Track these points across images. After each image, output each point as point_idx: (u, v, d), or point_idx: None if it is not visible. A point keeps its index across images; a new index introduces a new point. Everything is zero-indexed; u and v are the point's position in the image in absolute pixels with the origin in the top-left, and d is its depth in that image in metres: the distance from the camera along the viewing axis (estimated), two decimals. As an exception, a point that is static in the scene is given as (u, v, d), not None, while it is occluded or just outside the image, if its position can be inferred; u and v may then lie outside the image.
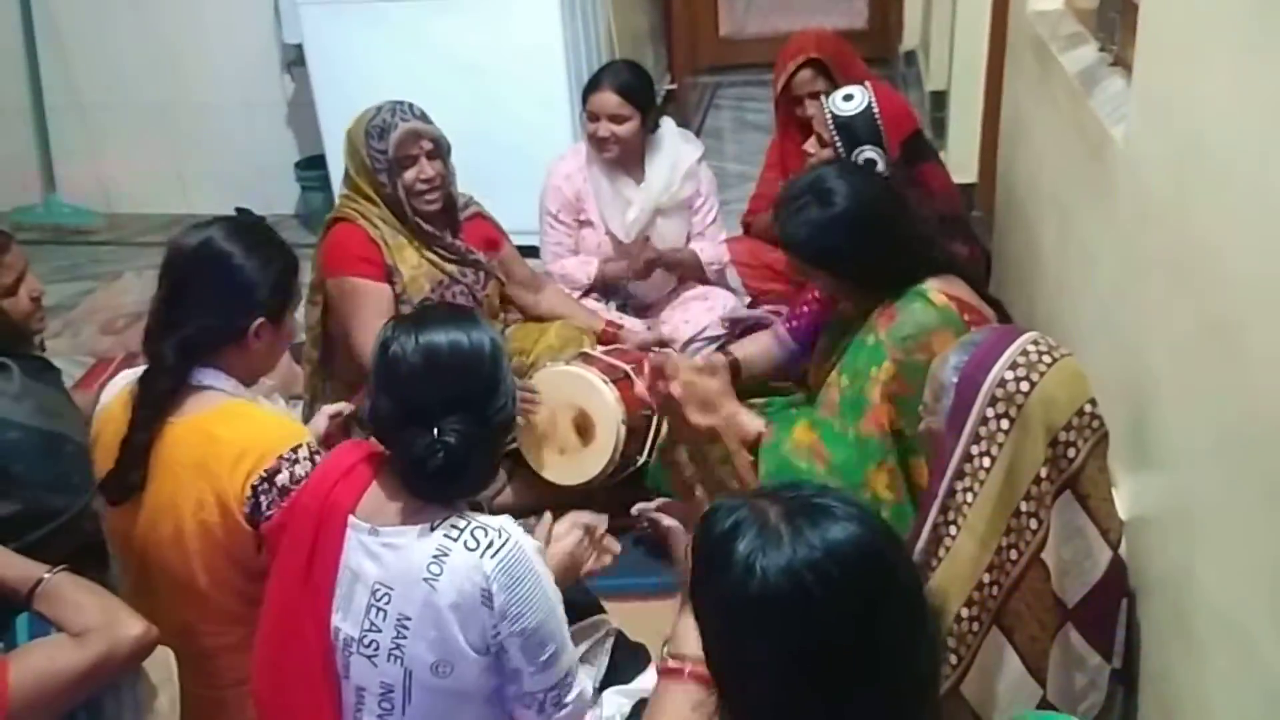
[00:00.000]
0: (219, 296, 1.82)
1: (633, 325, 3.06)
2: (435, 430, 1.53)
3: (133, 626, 1.59)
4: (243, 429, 1.80)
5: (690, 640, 1.39)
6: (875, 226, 2.09)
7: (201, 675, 1.88)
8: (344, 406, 2.24)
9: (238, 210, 4.54)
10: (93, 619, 1.58)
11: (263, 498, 1.75)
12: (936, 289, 2.07)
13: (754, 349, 2.60)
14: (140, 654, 1.62)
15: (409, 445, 1.54)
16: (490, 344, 1.59)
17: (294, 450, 1.77)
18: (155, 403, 1.80)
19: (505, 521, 1.58)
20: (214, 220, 1.88)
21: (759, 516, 1.05)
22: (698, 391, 2.25)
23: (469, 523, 1.55)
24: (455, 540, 1.53)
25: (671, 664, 1.40)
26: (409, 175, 2.61)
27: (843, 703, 1.00)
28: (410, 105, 2.64)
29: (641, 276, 3.11)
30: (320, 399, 2.79)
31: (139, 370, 1.88)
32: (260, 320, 1.83)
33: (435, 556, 1.53)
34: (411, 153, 2.60)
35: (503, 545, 1.53)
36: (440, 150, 2.65)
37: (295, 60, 4.35)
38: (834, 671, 1.00)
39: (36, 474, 2.20)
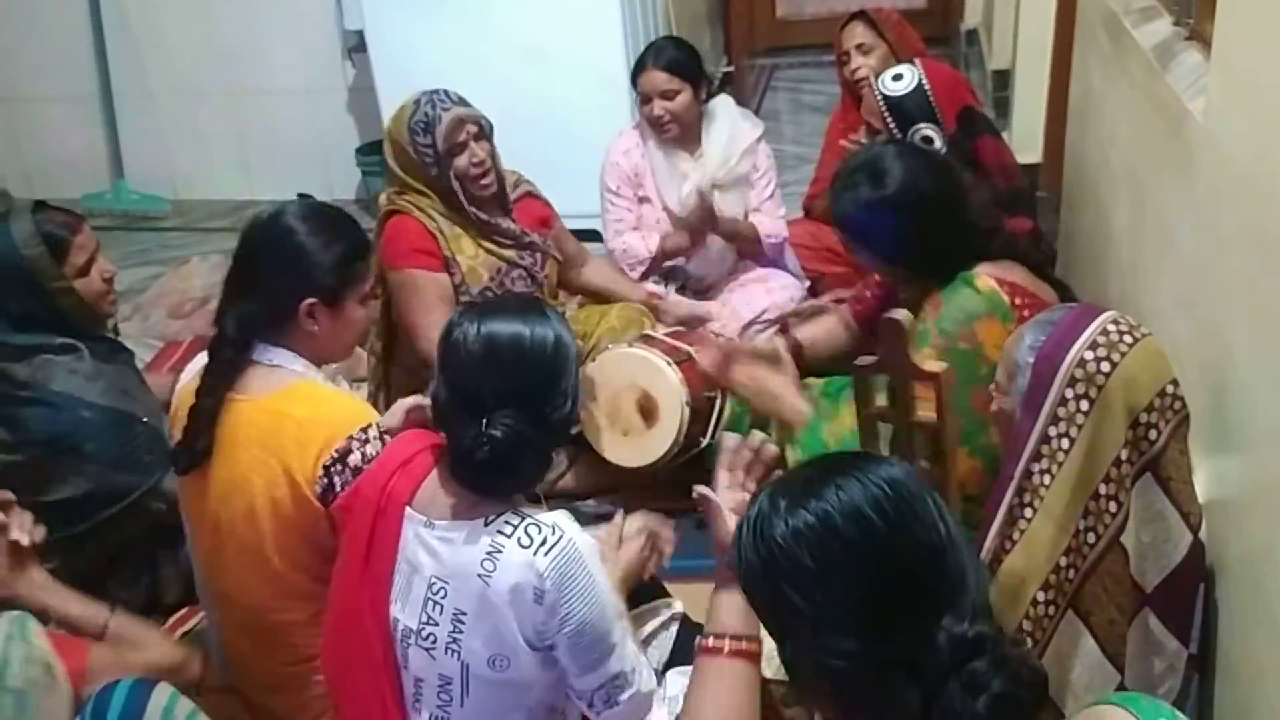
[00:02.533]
0: (275, 271, 1.84)
1: (677, 299, 3.06)
2: (485, 422, 1.50)
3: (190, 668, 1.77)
4: (312, 408, 1.82)
5: (730, 617, 1.40)
6: (927, 212, 2.05)
7: (269, 650, 1.92)
8: (422, 400, 2.24)
9: (300, 196, 4.60)
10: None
11: (336, 478, 1.77)
12: (984, 274, 2.02)
13: (819, 331, 2.58)
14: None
15: (459, 435, 1.53)
16: (554, 340, 1.56)
17: (364, 430, 1.79)
18: (221, 370, 1.83)
19: (560, 517, 1.55)
20: (295, 199, 1.90)
21: (798, 474, 1.11)
22: (761, 383, 2.23)
23: (523, 519, 1.53)
24: (509, 537, 1.52)
25: (711, 643, 1.40)
26: (460, 162, 2.61)
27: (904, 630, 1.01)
28: (445, 92, 2.63)
29: (694, 230, 3.06)
30: (386, 387, 2.82)
31: None
32: (312, 301, 1.83)
33: (489, 553, 1.52)
34: (460, 139, 2.60)
35: (556, 542, 1.51)
36: (485, 132, 2.65)
37: (356, 46, 4.38)
38: (901, 589, 1.02)
39: (107, 452, 2.26)
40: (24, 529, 1.75)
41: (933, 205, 2.06)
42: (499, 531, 1.53)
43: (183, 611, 2.42)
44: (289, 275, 1.84)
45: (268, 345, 1.85)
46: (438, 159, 2.60)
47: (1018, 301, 1.99)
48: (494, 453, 1.50)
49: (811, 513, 1.04)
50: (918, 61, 2.65)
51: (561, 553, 1.50)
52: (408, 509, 1.59)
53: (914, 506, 1.04)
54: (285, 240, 1.84)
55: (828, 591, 1.02)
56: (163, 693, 1.47)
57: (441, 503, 1.58)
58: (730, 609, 1.40)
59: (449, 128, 2.58)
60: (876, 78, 2.71)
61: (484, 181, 2.65)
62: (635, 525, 1.89)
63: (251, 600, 1.90)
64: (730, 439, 1.54)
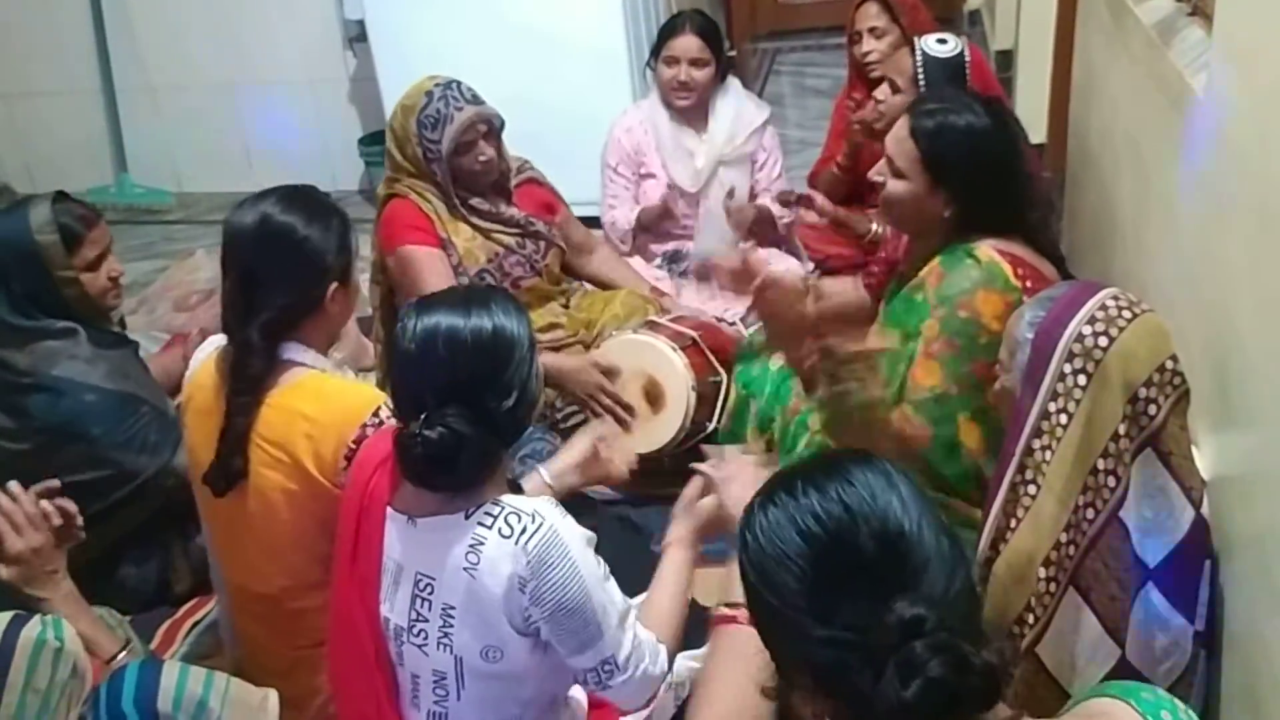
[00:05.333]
0: (294, 274, 1.81)
1: (669, 289, 3.08)
2: (424, 420, 1.47)
3: None
4: (322, 403, 1.82)
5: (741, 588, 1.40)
6: (1010, 158, 2.05)
7: (283, 635, 1.94)
8: None
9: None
10: None
11: None
12: (986, 245, 2.02)
13: (837, 286, 2.55)
14: None
15: (400, 432, 1.51)
16: (492, 330, 1.50)
17: (374, 414, 1.79)
18: (251, 388, 1.81)
19: (540, 504, 1.53)
20: (261, 195, 1.86)
21: (789, 471, 1.09)
22: (781, 313, 2.20)
23: (503, 508, 1.51)
24: (490, 528, 1.50)
25: (725, 612, 1.41)
26: (466, 160, 2.60)
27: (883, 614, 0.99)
28: (459, 87, 2.60)
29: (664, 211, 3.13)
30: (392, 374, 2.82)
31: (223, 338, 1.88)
32: (335, 285, 1.84)
33: (472, 545, 1.50)
34: (469, 139, 2.59)
35: (537, 530, 1.48)
36: (495, 129, 2.64)
37: (357, 36, 4.38)
38: (849, 582, 1.01)
39: (115, 435, 2.29)
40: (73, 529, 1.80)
41: (1015, 154, 2.06)
42: (479, 523, 1.51)
43: (193, 601, 2.43)
44: (310, 273, 1.82)
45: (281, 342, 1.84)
46: (441, 156, 2.58)
47: (1020, 272, 1.98)
48: (428, 453, 1.47)
49: (779, 507, 1.05)
50: (964, 38, 2.66)
51: (543, 540, 1.48)
52: (389, 508, 1.58)
53: (878, 499, 1.03)
54: (290, 240, 1.81)
55: (783, 577, 1.03)
56: (172, 670, 1.48)
57: (422, 499, 1.55)
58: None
59: (460, 129, 2.56)
60: (886, 60, 2.71)
61: (484, 179, 2.66)
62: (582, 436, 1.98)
63: (267, 589, 1.91)
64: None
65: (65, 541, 1.81)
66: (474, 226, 2.69)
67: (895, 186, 2.07)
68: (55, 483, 1.83)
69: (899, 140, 2.05)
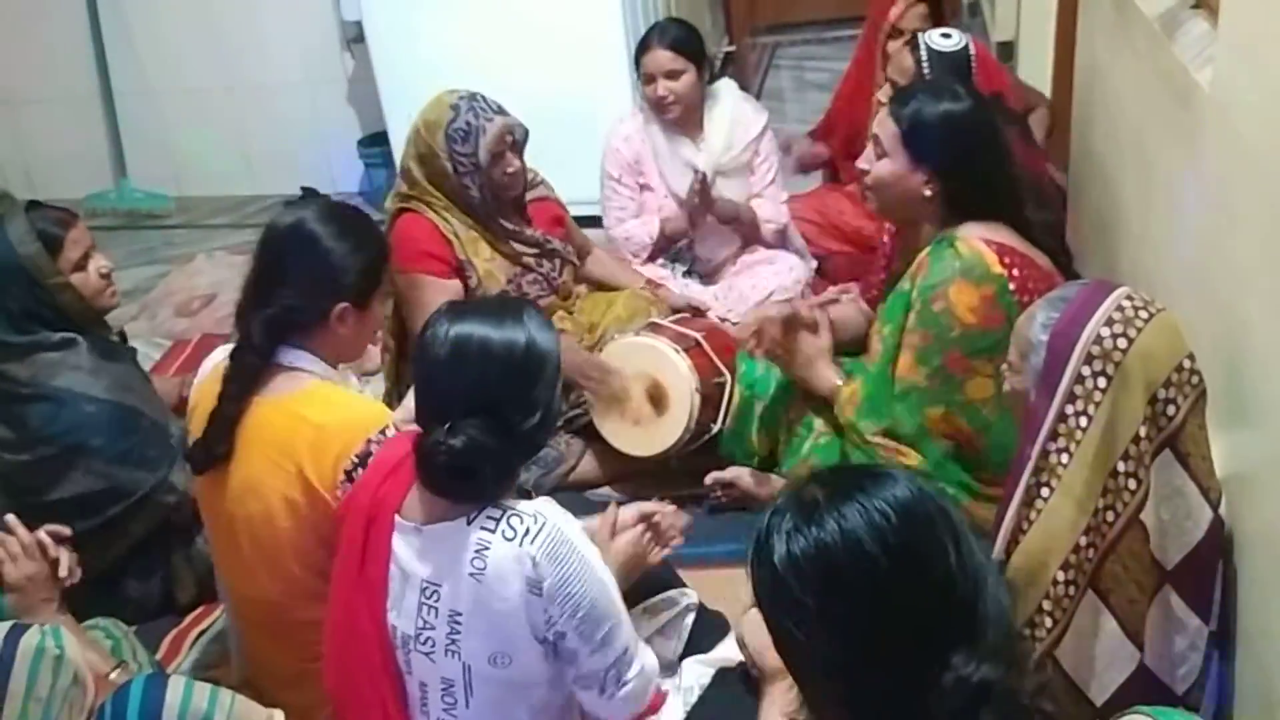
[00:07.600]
0: (305, 277, 1.82)
1: (675, 288, 3.06)
2: (448, 429, 1.47)
3: None
4: (329, 412, 1.81)
5: None
6: (990, 141, 2.10)
7: (287, 647, 1.92)
8: None
9: (303, 190, 4.59)
10: None
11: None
12: (970, 236, 2.02)
13: (842, 314, 2.56)
14: None
15: (423, 438, 1.51)
16: (525, 344, 1.50)
17: (381, 432, 1.78)
18: (244, 378, 1.83)
19: (541, 505, 1.53)
20: (313, 201, 1.89)
21: (805, 492, 1.04)
22: (800, 346, 2.29)
23: (505, 512, 1.51)
24: (493, 532, 1.50)
25: None
26: (495, 172, 2.58)
27: (914, 660, 0.95)
28: (482, 99, 2.58)
29: (694, 212, 3.07)
30: (401, 384, 2.80)
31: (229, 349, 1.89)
32: (344, 305, 1.83)
33: (477, 551, 1.50)
34: (499, 149, 2.57)
35: (540, 530, 1.49)
36: (519, 141, 2.62)
37: (355, 37, 4.36)
38: (905, 628, 0.96)
39: (113, 447, 2.28)
40: (70, 569, 1.81)
41: (993, 137, 2.11)
42: (482, 528, 1.51)
43: (198, 611, 2.42)
44: (321, 282, 1.83)
45: (289, 347, 1.84)
46: (474, 169, 2.56)
47: (1005, 260, 1.99)
48: (451, 462, 1.47)
49: (809, 541, 0.98)
50: (969, 35, 2.67)
51: (548, 539, 1.49)
52: (397, 517, 1.57)
53: (920, 536, 0.96)
54: (312, 246, 1.83)
55: (826, 628, 0.96)
56: (178, 685, 1.47)
57: (428, 507, 1.55)
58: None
59: (494, 139, 2.54)
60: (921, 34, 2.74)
61: (513, 191, 2.64)
62: (630, 514, 1.81)
63: (269, 599, 1.90)
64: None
65: (59, 577, 1.80)
66: (494, 247, 2.67)
67: (879, 167, 2.13)
68: (66, 530, 1.83)
69: (882, 122, 2.13)
